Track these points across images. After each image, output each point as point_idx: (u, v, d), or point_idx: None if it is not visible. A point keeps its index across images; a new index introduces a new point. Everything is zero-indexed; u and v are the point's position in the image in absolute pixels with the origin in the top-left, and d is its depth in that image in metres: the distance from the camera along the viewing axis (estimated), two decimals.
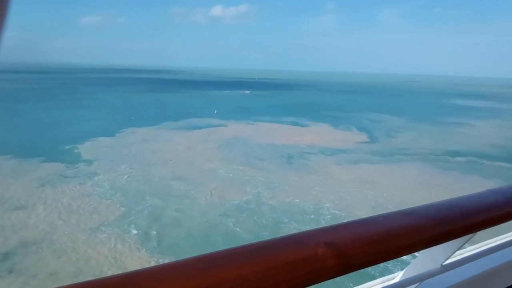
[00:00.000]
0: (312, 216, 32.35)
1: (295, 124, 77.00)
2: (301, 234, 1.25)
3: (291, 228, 30.14)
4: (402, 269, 1.82)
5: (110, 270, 22.65)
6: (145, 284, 0.95)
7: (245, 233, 28.85)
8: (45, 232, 26.86)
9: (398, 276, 1.85)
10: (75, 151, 48.58)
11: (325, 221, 31.09)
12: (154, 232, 27.99)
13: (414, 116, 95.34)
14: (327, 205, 34.70)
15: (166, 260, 24.21)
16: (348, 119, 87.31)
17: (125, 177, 39.27)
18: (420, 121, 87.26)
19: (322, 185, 39.75)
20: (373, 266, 1.22)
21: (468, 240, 1.64)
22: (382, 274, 2.28)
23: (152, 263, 23.57)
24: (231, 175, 41.73)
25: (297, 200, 35.51)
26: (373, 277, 1.83)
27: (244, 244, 1.14)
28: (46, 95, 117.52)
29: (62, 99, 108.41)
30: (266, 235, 28.60)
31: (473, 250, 2.15)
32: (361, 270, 1.30)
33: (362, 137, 66.80)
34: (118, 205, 32.14)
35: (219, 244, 26.61)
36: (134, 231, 27.85)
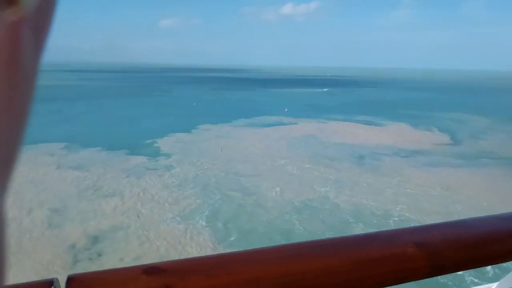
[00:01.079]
0: (381, 219, 31.18)
1: (369, 123, 74.23)
2: (389, 232, 1.25)
3: (358, 229, 29.34)
4: (496, 278, 1.77)
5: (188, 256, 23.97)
6: (237, 265, 1.06)
7: (309, 231, 28.79)
8: (130, 219, 29.30)
9: (494, 286, 1.76)
10: (155, 145, 52.09)
11: (394, 225, 29.79)
12: (224, 225, 29.10)
13: (503, 116, 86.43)
14: (398, 208, 33.19)
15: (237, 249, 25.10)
16: (429, 118, 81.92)
17: (200, 171, 41.28)
18: (510, 122, 78.92)
19: (395, 187, 38.04)
20: (465, 271, 1.26)
21: None
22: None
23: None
24: (299, 172, 41.78)
25: (366, 201, 34.48)
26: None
27: (328, 238, 1.19)
28: (128, 93, 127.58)
29: (143, 96, 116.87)
30: (330, 235, 28.28)
31: None
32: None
33: (444, 139, 62.35)
34: (194, 198, 33.92)
35: (282, 241, 26.89)
36: (207, 223, 29.23)
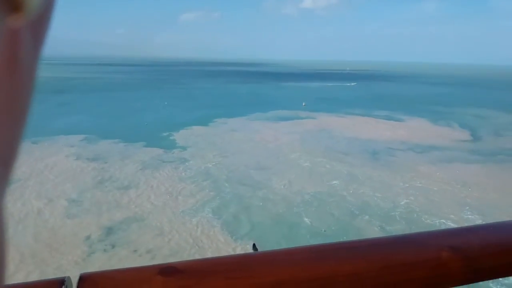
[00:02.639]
0: (391, 213, 31.01)
1: (388, 118, 73.12)
2: (421, 235, 1.20)
3: (367, 223, 29.27)
4: None
5: (199, 253, 24.45)
6: (259, 267, 1.01)
7: (315, 224, 28.95)
8: (146, 210, 30.08)
9: None
10: (171, 138, 52.93)
11: (405, 222, 29.56)
12: (235, 218, 29.52)
13: None
14: (408, 202, 32.88)
15: (247, 246, 25.51)
16: (449, 114, 79.98)
17: (214, 164, 41.81)
18: None
19: (407, 182, 37.66)
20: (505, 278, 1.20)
21: None
22: None
23: (238, 249, 25.02)
24: (311, 166, 41.83)
25: (376, 195, 34.31)
26: None
27: (356, 239, 1.13)
28: (147, 86, 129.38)
29: (162, 89, 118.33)
30: (337, 228, 28.44)
31: None
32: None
33: (464, 135, 60.90)
34: (207, 190, 34.47)
35: (287, 233, 27.22)
36: (219, 216, 29.71)
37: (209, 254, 23.80)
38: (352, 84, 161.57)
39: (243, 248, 25.50)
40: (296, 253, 1.07)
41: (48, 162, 39.65)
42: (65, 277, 0.90)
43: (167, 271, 0.95)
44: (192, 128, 58.92)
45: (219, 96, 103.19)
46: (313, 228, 28.41)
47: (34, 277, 20.65)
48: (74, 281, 0.90)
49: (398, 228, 28.85)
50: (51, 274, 21.25)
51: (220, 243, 25.88)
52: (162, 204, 31.36)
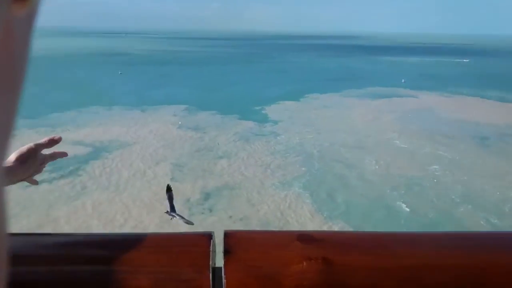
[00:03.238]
0: (500, 206, 27.77)
1: (502, 99, 64.72)
2: None
3: (468, 213, 26.65)
4: None
5: (286, 225, 24.90)
6: (400, 247, 0.96)
7: (410, 209, 27.24)
8: (237, 180, 31.37)
9: None
10: (263, 111, 53.79)
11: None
12: (325, 196, 29.21)
13: None
14: None
15: (340, 225, 25.19)
16: None
17: (305, 140, 41.65)
18: None
19: None
20: None
21: None
22: None
23: (332, 228, 24.87)
24: (409, 148, 39.23)
25: (483, 185, 30.94)
26: None
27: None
28: (241, 59, 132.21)
29: (254, 63, 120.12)
30: (433, 216, 26.42)
31: None
32: None
33: None
34: (297, 165, 34.59)
35: (384, 218, 26.08)
36: (308, 192, 29.70)
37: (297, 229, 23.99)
38: (465, 60, 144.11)
39: (335, 227, 25.21)
40: (441, 238, 0.97)
41: (152, 129, 43.21)
42: (211, 231, 0.97)
43: (304, 238, 0.96)
44: (283, 103, 59.08)
45: (310, 71, 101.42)
46: (412, 215, 26.89)
47: (141, 226, 22.92)
48: (219, 237, 0.95)
49: (506, 224, 25.87)
50: (158, 228, 23.30)
51: (308, 220, 25.93)
52: (253, 175, 32.32)
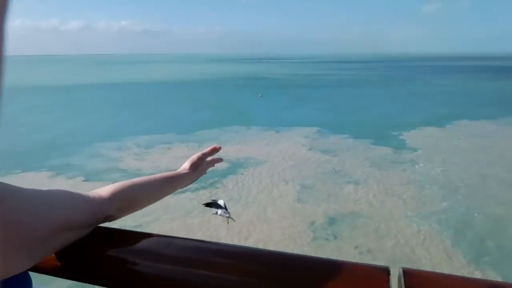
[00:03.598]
0: None
1: None
2: None
3: None
4: None
5: (417, 263, 22.24)
6: None
7: None
8: (364, 208, 29.60)
9: None
10: (401, 137, 50.14)
11: None
12: (473, 240, 25.09)
13: None
14: None
15: (485, 271, 21.34)
16: None
17: (448, 171, 37.06)
18: None
19: None
20: None
21: None
22: None
23: (465, 271, 21.38)
24: None
25: None
26: None
27: None
28: (377, 82, 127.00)
29: (392, 85, 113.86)
30: None
31: None
32: None
33: None
34: (437, 199, 30.88)
35: None
36: (449, 231, 25.99)
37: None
38: None
39: (478, 274, 21.38)
40: None
41: (283, 149, 44.48)
42: (387, 266, 0.86)
43: None
44: (425, 129, 54.16)
45: (458, 94, 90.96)
46: None
47: (263, 242, 23.35)
48: (395, 274, 0.85)
49: None
50: (279, 245, 23.45)
51: (444, 262, 22.54)
52: (381, 205, 30.08)
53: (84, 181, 34.37)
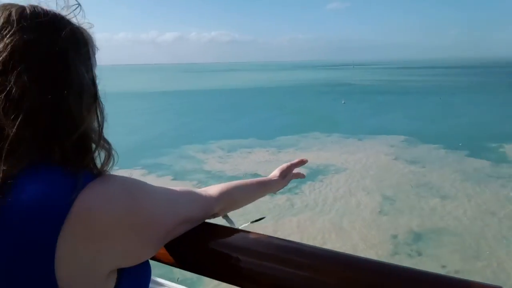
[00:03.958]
0: None
1: None
2: None
3: None
4: None
5: None
6: None
7: None
8: (452, 225, 27.15)
9: None
10: (501, 150, 45.09)
11: None
12: None
13: None
14: None
15: None
16: None
17: None
18: None
19: None
20: None
21: None
22: None
23: None
24: None
25: None
26: None
27: None
28: (473, 89, 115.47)
29: (491, 93, 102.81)
30: None
31: None
32: None
33: None
34: None
35: None
36: None
37: None
38: None
39: None
40: None
41: (365, 157, 42.88)
42: (500, 286, 0.84)
43: None
44: None
45: None
46: None
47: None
48: None
49: None
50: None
51: None
52: (472, 222, 27.32)
53: (172, 180, 36.95)
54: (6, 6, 0.67)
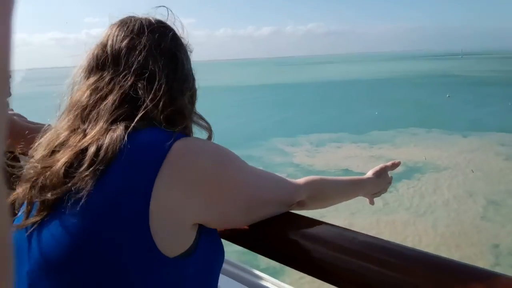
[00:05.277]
0: None
1: None
2: None
3: None
4: None
5: None
6: None
7: None
8: None
9: None
10: None
11: None
12: None
13: None
14: None
15: None
16: None
17: None
18: None
19: None
20: None
21: None
22: None
23: None
24: None
25: None
26: None
27: None
28: None
29: None
30: None
31: None
32: None
33: None
34: None
35: None
36: None
37: None
38: None
39: None
40: None
41: (470, 156, 38.95)
42: None
43: None
44: None
45: None
46: None
47: None
48: None
49: None
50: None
51: None
52: None
53: None
54: (134, 17, 0.94)
